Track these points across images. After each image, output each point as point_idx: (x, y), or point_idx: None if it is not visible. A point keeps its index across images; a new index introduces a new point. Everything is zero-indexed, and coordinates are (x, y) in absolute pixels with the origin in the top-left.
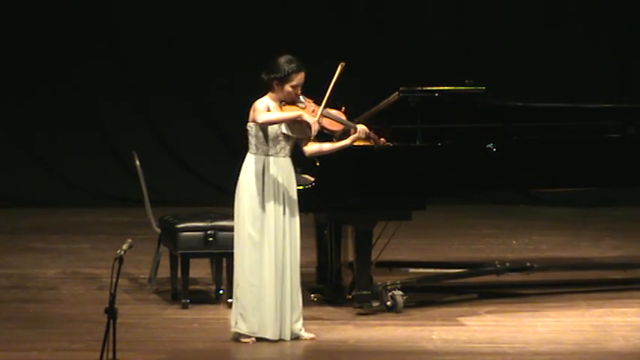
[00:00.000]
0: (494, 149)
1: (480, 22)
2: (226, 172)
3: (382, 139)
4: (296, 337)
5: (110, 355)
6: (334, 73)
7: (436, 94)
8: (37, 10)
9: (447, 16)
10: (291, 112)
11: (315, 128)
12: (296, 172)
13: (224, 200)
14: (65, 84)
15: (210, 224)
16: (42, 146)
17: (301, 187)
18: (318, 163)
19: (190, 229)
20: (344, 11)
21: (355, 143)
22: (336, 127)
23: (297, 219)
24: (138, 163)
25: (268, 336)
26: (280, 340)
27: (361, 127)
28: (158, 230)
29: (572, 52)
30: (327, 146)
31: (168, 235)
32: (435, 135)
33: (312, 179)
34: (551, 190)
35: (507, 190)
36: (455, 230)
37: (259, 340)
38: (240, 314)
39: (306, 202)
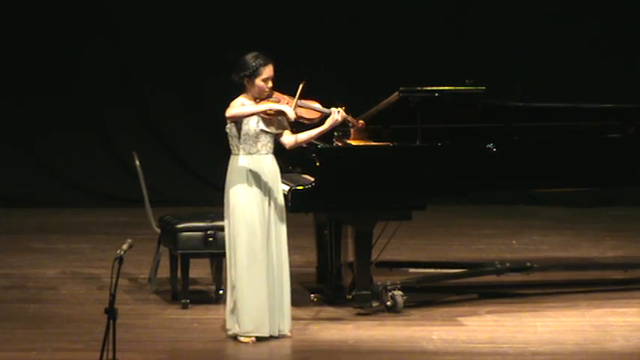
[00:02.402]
0: (494, 149)
1: (480, 22)
2: (226, 173)
3: (361, 122)
4: (280, 335)
5: (110, 355)
6: (296, 91)
7: (436, 94)
8: (37, 11)
9: (447, 16)
10: (261, 106)
11: (289, 113)
12: (296, 172)
13: (222, 199)
14: (66, 84)
15: (210, 224)
16: (42, 146)
17: (301, 187)
18: (318, 163)
19: (190, 229)
20: (343, 11)
21: (355, 143)
22: (313, 115)
23: (284, 215)
24: (138, 163)
25: (263, 334)
26: (271, 337)
27: (337, 110)
28: (158, 230)
29: (572, 52)
30: (305, 135)
31: (168, 235)
32: (435, 135)
33: (312, 179)
34: (551, 190)
35: (507, 190)
36: (455, 230)
37: (259, 339)
38: (237, 316)
39: (306, 202)
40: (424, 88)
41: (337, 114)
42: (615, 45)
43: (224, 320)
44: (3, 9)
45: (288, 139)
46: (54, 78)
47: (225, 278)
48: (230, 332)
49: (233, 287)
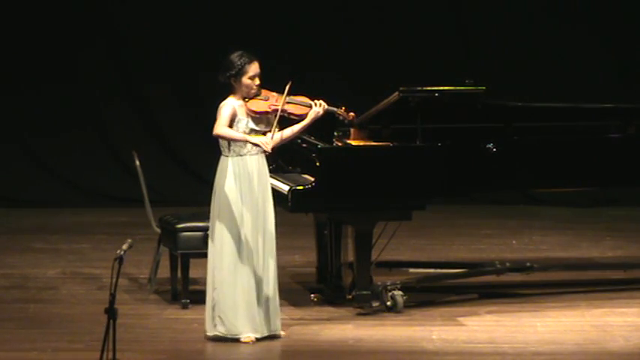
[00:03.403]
0: (494, 149)
1: (480, 22)
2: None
3: (351, 114)
4: (274, 335)
5: (110, 355)
6: (283, 91)
7: (436, 94)
8: (36, 9)
9: (447, 16)
10: (246, 137)
11: (266, 149)
12: (296, 172)
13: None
14: (65, 84)
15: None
16: (42, 146)
17: (301, 187)
18: (318, 163)
19: (190, 229)
20: (343, 11)
21: (355, 143)
22: (302, 110)
23: (272, 215)
24: (138, 163)
25: (254, 334)
26: (262, 338)
27: (318, 103)
28: (158, 230)
29: (572, 52)
30: (287, 132)
31: (168, 235)
32: (435, 135)
33: (312, 179)
34: (552, 190)
35: (507, 190)
36: (455, 230)
37: (259, 339)
38: (219, 317)
39: (306, 202)
40: (424, 88)
41: (318, 107)
42: (615, 45)
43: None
44: (1, 9)
45: (274, 137)
46: (54, 78)
47: (208, 278)
48: (210, 333)
49: (214, 289)
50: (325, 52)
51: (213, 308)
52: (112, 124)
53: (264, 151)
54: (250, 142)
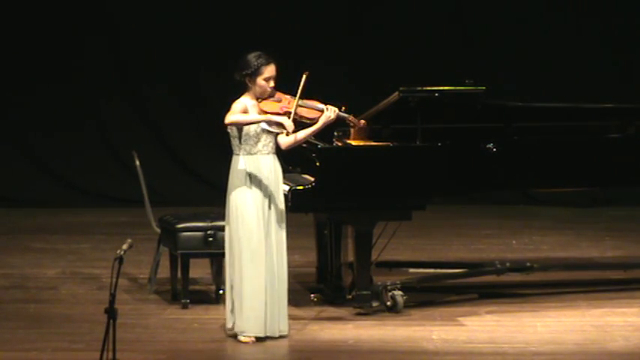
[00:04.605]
0: (494, 149)
1: (480, 22)
2: (226, 173)
3: (362, 121)
4: (281, 336)
5: (110, 355)
6: (299, 82)
7: (436, 94)
8: (36, 9)
9: (447, 16)
10: (259, 116)
11: (288, 125)
12: (296, 172)
13: (224, 200)
14: (65, 84)
15: (210, 224)
16: (41, 146)
17: (301, 187)
18: (318, 163)
19: (190, 229)
20: (344, 11)
21: (355, 143)
22: (314, 114)
23: (283, 215)
24: (138, 163)
25: (259, 334)
26: (267, 337)
27: (331, 108)
28: (158, 230)
29: (572, 52)
30: (300, 135)
31: (168, 235)
32: (435, 135)
33: (312, 179)
34: (551, 190)
35: (507, 190)
36: (455, 230)
37: (259, 339)
38: (232, 313)
39: (306, 202)
40: (424, 88)
41: (330, 112)
42: (615, 45)
43: (224, 320)
44: (1, 9)
45: (285, 139)
46: (53, 77)
47: (226, 278)
48: (229, 331)
49: (231, 287)
50: (325, 52)
51: (232, 307)
52: (112, 124)
53: (286, 132)
54: (273, 121)
